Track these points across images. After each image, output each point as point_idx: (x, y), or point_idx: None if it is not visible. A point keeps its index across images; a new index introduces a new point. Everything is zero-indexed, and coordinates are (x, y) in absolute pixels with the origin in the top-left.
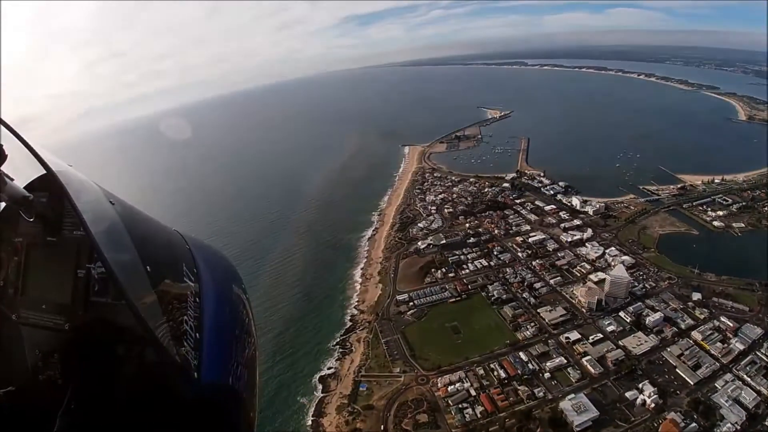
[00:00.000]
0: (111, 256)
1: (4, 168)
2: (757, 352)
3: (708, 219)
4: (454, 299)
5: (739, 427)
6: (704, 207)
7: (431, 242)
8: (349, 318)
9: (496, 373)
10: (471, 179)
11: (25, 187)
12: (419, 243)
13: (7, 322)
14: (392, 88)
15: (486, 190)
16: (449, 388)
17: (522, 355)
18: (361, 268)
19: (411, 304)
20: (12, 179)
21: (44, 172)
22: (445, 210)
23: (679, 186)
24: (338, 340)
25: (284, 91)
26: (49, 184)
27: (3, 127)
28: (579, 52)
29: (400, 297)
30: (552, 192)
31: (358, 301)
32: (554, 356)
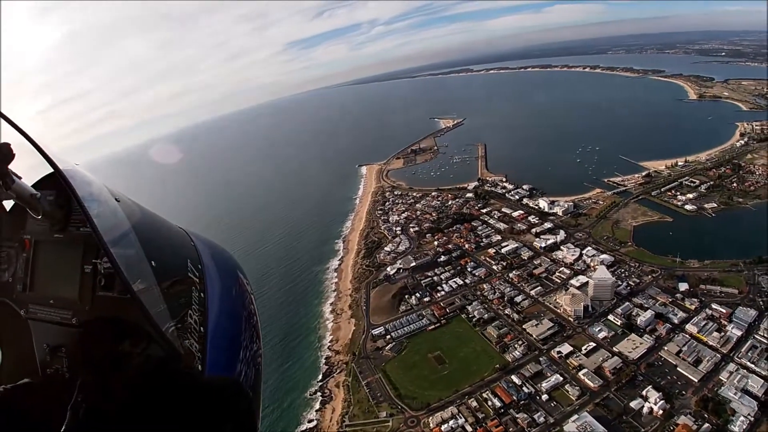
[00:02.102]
0: (116, 251)
1: (12, 167)
2: (756, 335)
3: (679, 204)
4: (433, 326)
5: (752, 419)
6: (673, 192)
7: (401, 266)
8: (324, 361)
9: (490, 402)
10: (433, 193)
11: (33, 185)
12: (388, 268)
13: (16, 318)
14: (341, 108)
15: (450, 202)
16: (443, 428)
17: (515, 378)
18: (331, 303)
19: (388, 337)
20: (20, 177)
21: (50, 170)
22: (411, 229)
23: (644, 174)
24: (316, 387)
25: (231, 124)
26: (55, 182)
27: (11, 127)
28: (523, 52)
29: (375, 331)
30: (517, 197)
31: (331, 341)
32: (549, 375)
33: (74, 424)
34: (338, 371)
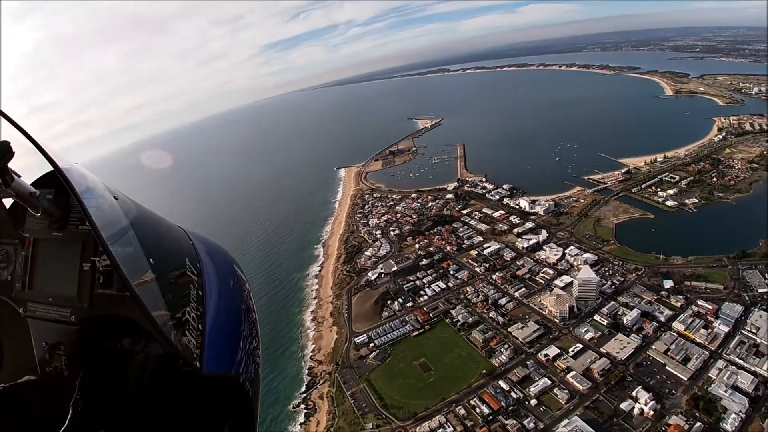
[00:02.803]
0: (115, 249)
1: (12, 165)
2: (743, 331)
3: (660, 200)
4: (417, 332)
5: (744, 416)
6: (654, 188)
7: (382, 271)
8: (307, 372)
9: (478, 410)
10: (413, 195)
11: (32, 184)
12: (369, 274)
13: (15, 316)
14: (318, 110)
15: (430, 204)
16: None
17: (502, 383)
18: (312, 311)
19: (371, 345)
20: (19, 176)
21: (50, 169)
22: (391, 232)
23: (623, 171)
24: (300, 399)
25: (208, 128)
26: (54, 180)
27: (11, 125)
28: (499, 52)
29: (358, 339)
30: (497, 196)
31: (313, 350)
32: (537, 378)
33: (74, 418)
34: (321, 382)
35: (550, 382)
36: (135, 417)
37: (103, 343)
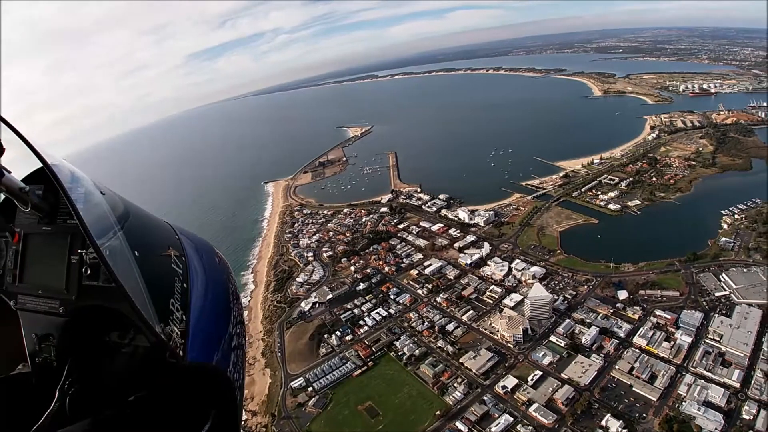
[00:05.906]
0: (101, 242)
1: (2, 161)
2: (706, 340)
3: (602, 204)
4: (359, 370)
5: None
6: (594, 191)
7: (316, 300)
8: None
9: None
10: (345, 210)
11: (22, 180)
12: (302, 303)
13: (6, 309)
14: (244, 121)
15: (364, 219)
16: None
17: (459, 425)
18: None
19: (310, 389)
20: (9, 171)
21: (40, 165)
22: (324, 254)
23: (561, 174)
24: None
25: (127, 144)
26: (44, 176)
27: (1, 123)
28: (427, 57)
29: (294, 383)
30: (435, 208)
31: (246, 399)
32: (497, 416)
33: (62, 407)
34: None
35: (511, 418)
36: (121, 405)
37: (90, 334)
